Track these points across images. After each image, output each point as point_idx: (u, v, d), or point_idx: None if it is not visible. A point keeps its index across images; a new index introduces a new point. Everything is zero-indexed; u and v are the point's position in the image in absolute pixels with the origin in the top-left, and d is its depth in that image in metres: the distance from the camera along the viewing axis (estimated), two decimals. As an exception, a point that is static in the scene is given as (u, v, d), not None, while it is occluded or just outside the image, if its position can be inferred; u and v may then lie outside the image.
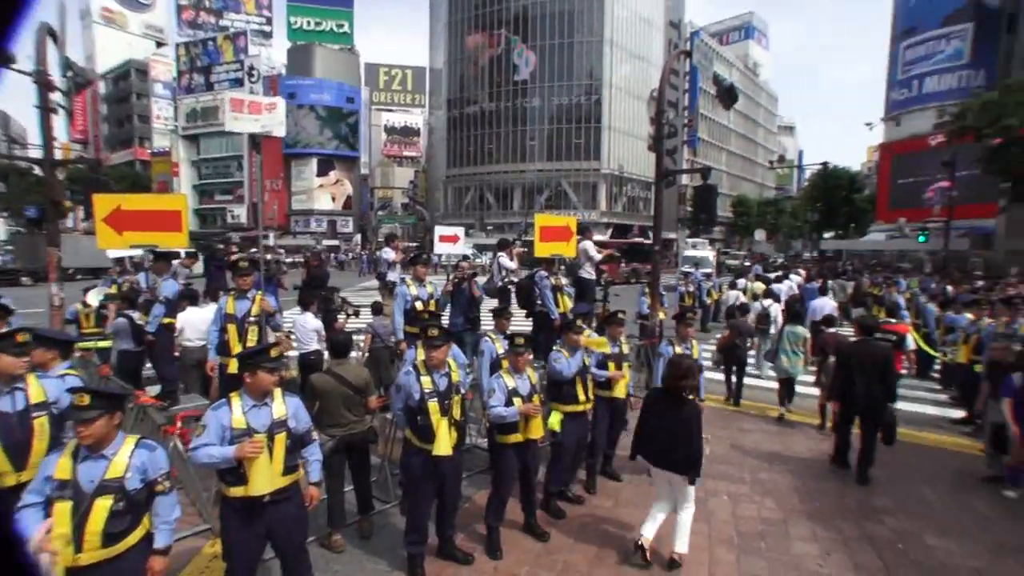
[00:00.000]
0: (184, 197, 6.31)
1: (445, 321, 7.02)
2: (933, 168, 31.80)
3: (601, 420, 5.35)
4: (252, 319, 5.42)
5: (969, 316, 8.14)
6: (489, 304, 7.51)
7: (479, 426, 5.95)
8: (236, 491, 3.01)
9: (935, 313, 10.08)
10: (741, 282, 15.13)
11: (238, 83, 56.93)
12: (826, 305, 10.19)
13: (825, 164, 41.85)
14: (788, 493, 5.45)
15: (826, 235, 53.55)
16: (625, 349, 5.55)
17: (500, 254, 8.58)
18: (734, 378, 8.27)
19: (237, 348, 5.18)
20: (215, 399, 4.20)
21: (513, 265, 8.64)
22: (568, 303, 7.30)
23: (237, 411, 3.05)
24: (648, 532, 4.16)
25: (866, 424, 5.76)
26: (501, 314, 5.76)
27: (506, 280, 8.39)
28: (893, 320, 9.37)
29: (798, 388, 8.05)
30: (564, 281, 7.57)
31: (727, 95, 9.46)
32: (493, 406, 4.11)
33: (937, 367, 9.73)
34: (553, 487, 4.88)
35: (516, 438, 4.23)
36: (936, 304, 10.70)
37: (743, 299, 11.44)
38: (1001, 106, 18.50)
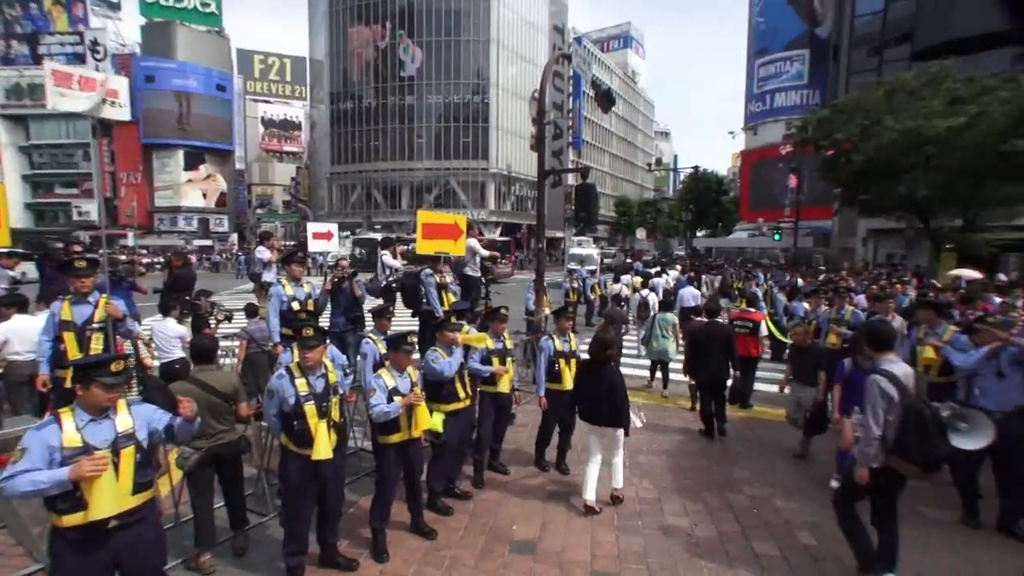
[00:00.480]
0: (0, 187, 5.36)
1: (325, 323, 6.67)
2: (785, 174, 35.95)
3: (487, 416, 5.38)
4: (96, 325, 4.78)
5: (806, 305, 9.27)
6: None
7: (365, 428, 5.74)
8: (72, 519, 2.58)
9: (783, 303, 11.38)
10: (625, 278, 16.07)
11: (78, 59, 50.09)
12: (690, 295, 11.49)
13: (696, 168, 45.75)
14: (663, 473, 5.84)
15: (699, 233, 58.65)
16: (509, 344, 5.61)
17: (383, 252, 8.37)
18: None
19: (77, 358, 4.55)
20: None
21: (397, 263, 8.46)
22: (453, 300, 7.26)
23: (69, 428, 2.63)
24: (590, 495, 4.93)
25: (716, 391, 6.85)
26: (382, 314, 5.59)
27: (390, 279, 8.18)
28: (752, 309, 10.44)
29: (674, 376, 8.71)
30: (449, 279, 7.52)
31: (605, 98, 9.90)
32: (374, 405, 4.00)
33: (787, 351, 10.96)
34: (436, 485, 4.84)
35: (398, 437, 4.15)
36: (785, 295, 12.07)
37: (626, 292, 12.48)
38: (831, 122, 21.27)
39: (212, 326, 6.69)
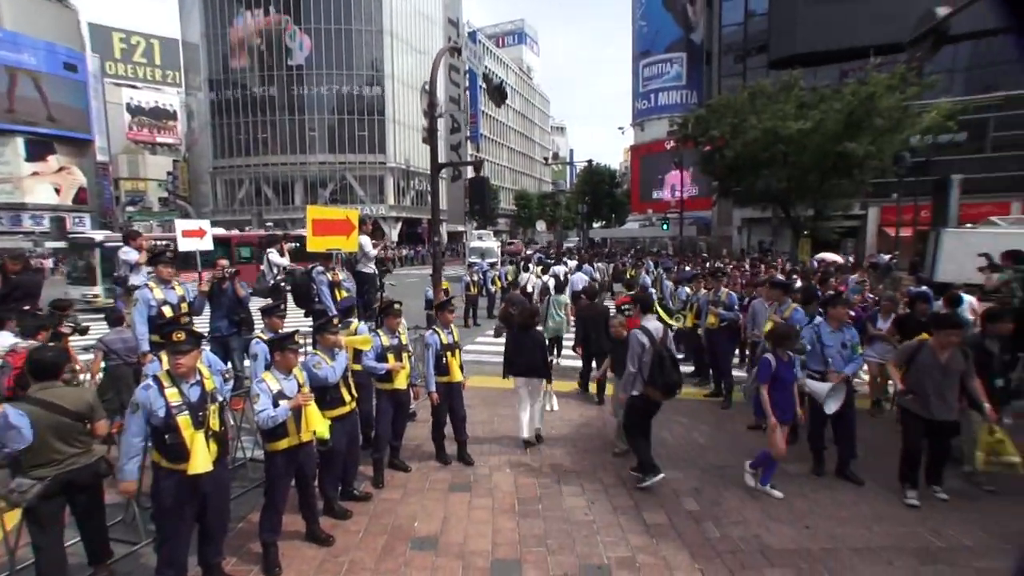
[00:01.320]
0: None
1: (205, 327, 6.18)
2: (670, 168, 38.41)
3: (384, 413, 5.28)
4: None
5: (688, 289, 10.01)
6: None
7: (256, 437, 5.39)
8: None
9: (670, 288, 12.20)
10: (531, 267, 16.59)
11: None
12: (580, 280, 12.80)
13: (590, 162, 47.59)
14: (563, 457, 6.05)
15: (595, 225, 61.16)
16: (405, 340, 5.53)
17: (270, 250, 7.91)
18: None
19: None
20: None
21: (284, 261, 8.03)
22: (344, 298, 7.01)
23: None
24: (527, 432, 6.20)
25: (599, 359, 7.86)
26: (272, 312, 5.29)
27: (279, 277, 7.75)
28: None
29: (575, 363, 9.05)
30: (342, 276, 7.25)
31: (497, 92, 10.01)
32: (259, 411, 3.77)
33: (672, 333, 11.82)
34: (331, 490, 4.67)
35: (286, 443, 3.94)
36: (672, 280, 12.96)
37: (534, 280, 13.53)
38: (707, 121, 23.21)
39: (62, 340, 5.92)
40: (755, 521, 4.59)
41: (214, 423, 3.48)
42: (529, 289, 12.87)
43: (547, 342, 9.23)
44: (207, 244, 7.85)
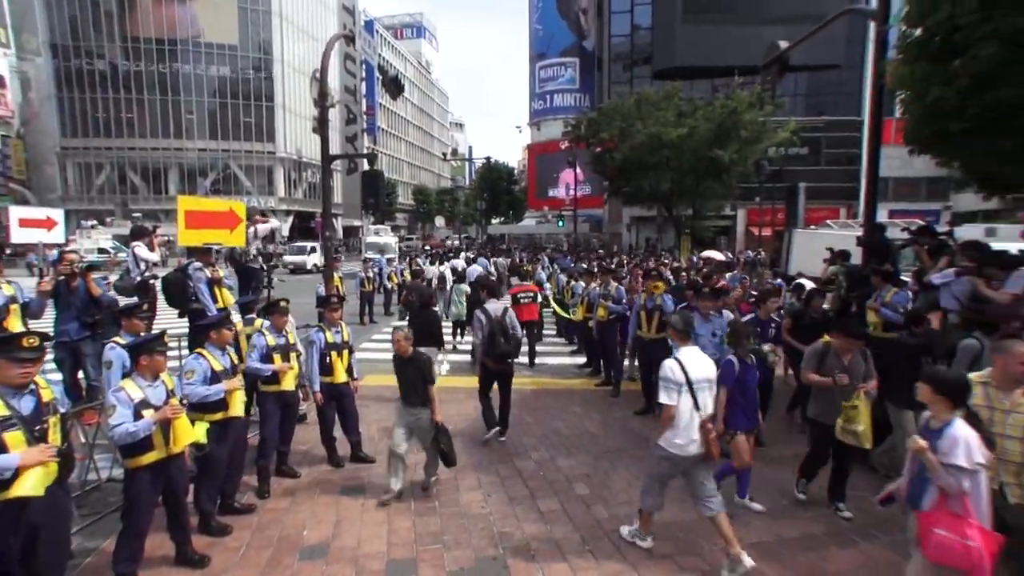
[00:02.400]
0: None
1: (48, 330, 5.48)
2: (565, 167, 39.83)
3: (270, 417, 5.01)
4: None
5: (583, 284, 10.49)
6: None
7: (114, 455, 4.85)
8: None
9: (564, 282, 12.70)
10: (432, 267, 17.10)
11: None
12: (475, 271, 13.89)
13: (488, 159, 48.01)
14: (459, 452, 6.02)
15: (494, 221, 61.86)
16: (292, 339, 5.28)
17: (136, 243, 7.15)
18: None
19: None
20: None
21: (154, 256, 7.32)
22: (230, 297, 6.57)
23: None
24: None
25: None
26: (131, 313, 4.81)
27: (146, 274, 7.05)
28: (529, 282, 12.34)
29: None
30: (223, 272, 6.76)
31: (392, 84, 9.83)
32: (116, 425, 3.38)
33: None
34: (208, 505, 4.33)
35: (152, 457, 3.56)
36: (567, 275, 13.49)
37: (437, 272, 14.62)
38: (598, 123, 24.48)
39: None
40: (639, 500, 4.94)
41: (55, 438, 3.02)
42: (430, 277, 14.50)
43: (452, 325, 11.22)
44: (56, 236, 6.93)
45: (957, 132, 6.45)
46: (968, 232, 15.12)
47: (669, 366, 3.98)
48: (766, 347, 5.71)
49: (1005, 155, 6.35)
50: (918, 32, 6.80)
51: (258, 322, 5.36)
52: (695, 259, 17.99)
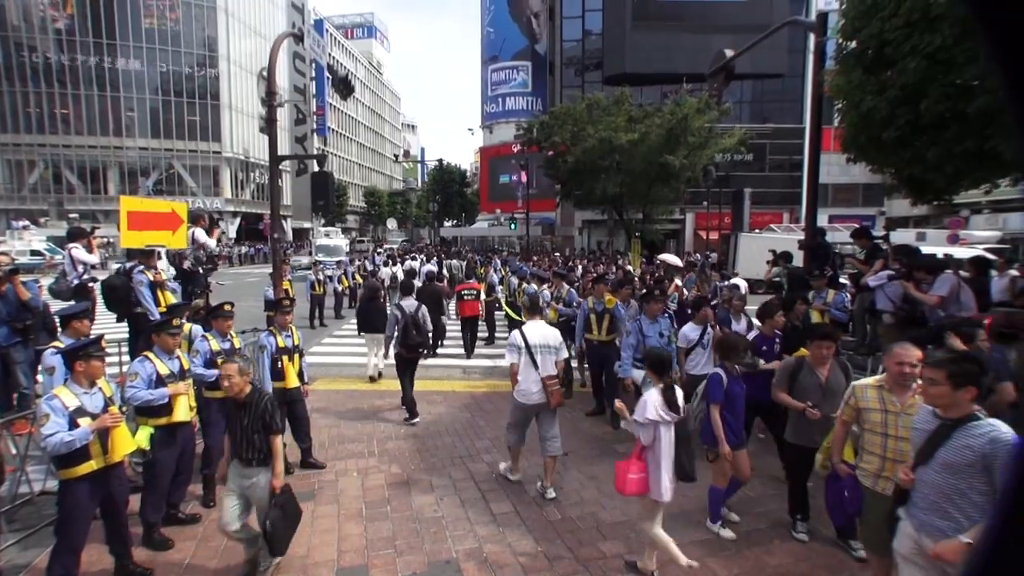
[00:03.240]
0: None
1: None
2: (518, 170, 40.04)
3: (215, 424, 4.82)
4: None
5: (533, 286, 10.57)
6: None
7: (48, 466, 4.56)
8: None
9: (515, 285, 12.76)
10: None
11: None
12: (427, 270, 14.20)
13: (440, 161, 47.74)
14: (411, 456, 6.03)
15: (446, 223, 61.55)
16: (238, 343, 5.10)
17: (73, 245, 6.75)
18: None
19: None
20: None
21: (94, 258, 6.93)
22: (173, 301, 6.26)
23: None
24: (371, 371, 8.78)
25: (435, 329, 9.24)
26: (71, 318, 4.54)
27: (85, 277, 6.66)
28: (473, 280, 12.83)
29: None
30: (166, 276, 6.45)
31: (342, 84, 9.70)
32: (49, 435, 3.19)
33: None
34: (153, 516, 4.13)
35: (88, 468, 3.39)
36: (518, 278, 13.55)
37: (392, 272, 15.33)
38: (550, 127, 24.72)
39: None
40: (591, 500, 5.01)
41: None
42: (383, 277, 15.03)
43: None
44: None
45: (888, 140, 6.89)
46: (901, 237, 16.20)
47: (514, 334, 5.05)
48: (761, 362, 5.21)
49: (929, 163, 6.82)
50: (853, 44, 7.24)
51: (186, 327, 5.13)
52: (646, 263, 18.41)
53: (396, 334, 6.91)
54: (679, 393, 3.78)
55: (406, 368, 7.03)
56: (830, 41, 8.25)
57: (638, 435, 3.69)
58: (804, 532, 4.33)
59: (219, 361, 4.82)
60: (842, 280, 8.22)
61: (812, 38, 8.56)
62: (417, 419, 7.04)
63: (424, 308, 7.21)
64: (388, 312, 7.65)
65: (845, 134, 8.06)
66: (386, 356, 7.33)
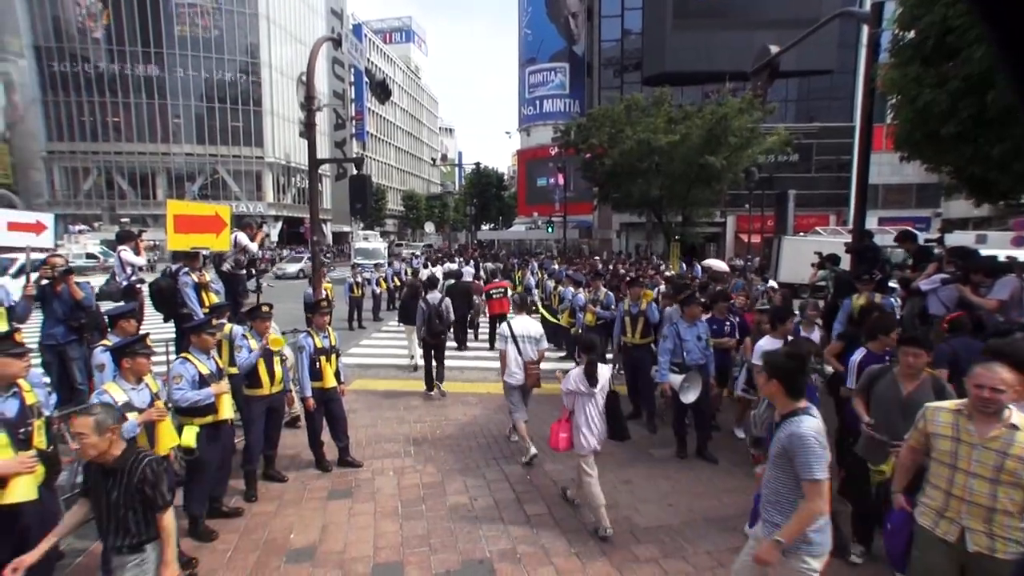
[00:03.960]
0: None
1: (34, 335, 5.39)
2: (555, 172, 39.93)
3: (256, 422, 4.94)
4: None
5: (572, 289, 10.48)
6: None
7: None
8: None
9: (551, 288, 12.69)
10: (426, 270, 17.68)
11: None
12: (468, 271, 15.59)
13: (478, 164, 48.07)
14: (446, 456, 6.05)
15: (484, 227, 61.87)
16: (223, 362, 5.19)
17: (122, 248, 7.07)
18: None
19: None
20: None
21: (141, 260, 7.24)
22: (217, 302, 6.48)
23: None
24: (415, 359, 9.69)
25: (460, 321, 10.64)
26: (119, 317, 4.74)
27: (133, 278, 6.96)
28: (499, 279, 13.97)
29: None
30: (209, 277, 6.70)
31: (380, 88, 9.78)
32: None
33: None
34: (196, 509, 4.28)
35: None
36: (554, 281, 13.47)
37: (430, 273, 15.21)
38: (588, 129, 24.47)
39: None
40: (625, 504, 4.92)
41: (39, 441, 3.05)
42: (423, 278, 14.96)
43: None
44: (45, 241, 6.83)
45: (947, 136, 6.50)
46: (958, 239, 15.35)
47: (503, 326, 6.01)
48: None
49: (993, 161, 6.40)
50: (911, 35, 6.85)
51: (227, 327, 5.28)
52: (685, 268, 17.99)
53: (424, 323, 8.13)
54: (602, 369, 4.48)
55: (430, 350, 8.21)
56: (884, 33, 7.87)
57: (565, 403, 4.60)
58: (859, 556, 3.98)
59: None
60: (891, 284, 7.84)
61: (865, 30, 8.20)
62: (434, 393, 8.21)
63: (448, 300, 8.45)
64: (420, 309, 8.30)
65: (899, 131, 7.65)
66: (420, 343, 8.55)
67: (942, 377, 3.76)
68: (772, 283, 9.16)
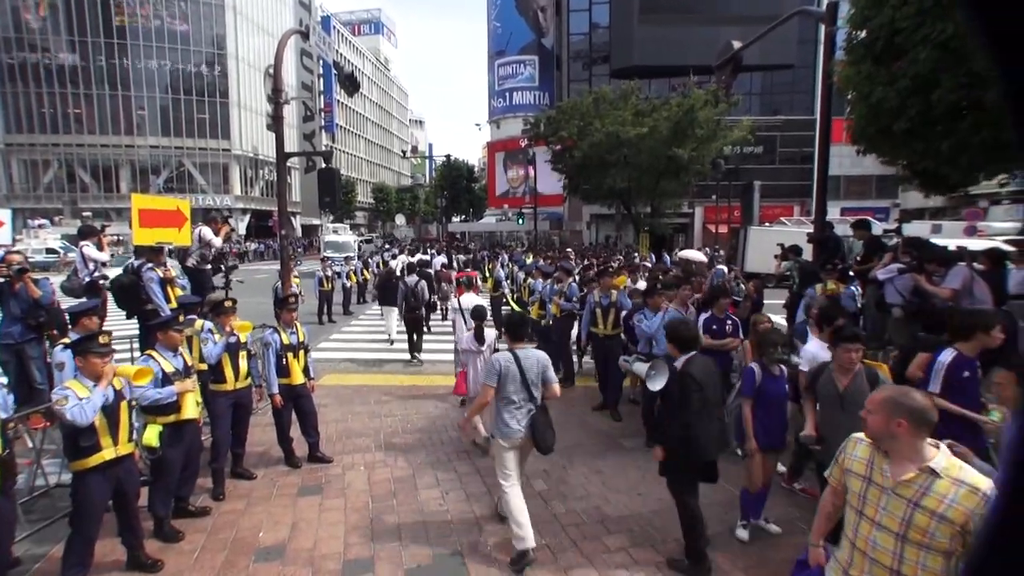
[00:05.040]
0: None
1: None
2: (525, 164, 39.93)
3: (221, 418, 4.87)
4: None
5: (541, 281, 10.54)
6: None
7: (63, 460, 4.65)
8: None
9: (521, 280, 12.75)
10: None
11: None
12: (438, 261, 15.91)
13: (448, 157, 47.75)
14: (417, 450, 6.06)
15: (454, 219, 61.54)
16: (243, 338, 5.14)
17: (84, 243, 6.85)
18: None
19: None
20: None
21: (103, 256, 7.03)
22: (183, 296, 6.34)
23: None
24: (393, 335, 11.16)
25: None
26: (80, 315, 4.60)
27: (95, 275, 6.76)
28: (469, 269, 14.15)
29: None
30: (175, 272, 6.54)
31: (348, 81, 9.65)
32: (69, 407, 3.25)
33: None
34: (161, 509, 4.20)
35: (98, 459, 3.45)
36: (524, 273, 13.53)
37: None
38: (557, 121, 24.60)
39: None
40: (596, 494, 5.01)
41: None
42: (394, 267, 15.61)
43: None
44: (3, 237, 6.59)
45: (899, 132, 6.77)
46: (915, 229, 15.94)
47: (454, 301, 7.14)
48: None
49: (943, 156, 6.69)
50: (863, 34, 7.10)
51: (199, 323, 5.18)
52: (654, 260, 18.22)
53: (402, 301, 9.79)
54: (488, 332, 5.76)
55: (409, 325, 9.83)
56: (840, 31, 8.12)
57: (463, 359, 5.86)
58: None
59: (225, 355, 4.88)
60: (851, 273, 8.14)
61: (822, 28, 8.44)
62: (414, 360, 9.87)
63: (423, 283, 10.03)
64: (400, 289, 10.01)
65: (855, 126, 7.94)
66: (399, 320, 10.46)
67: (878, 367, 3.69)
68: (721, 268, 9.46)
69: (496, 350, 5.00)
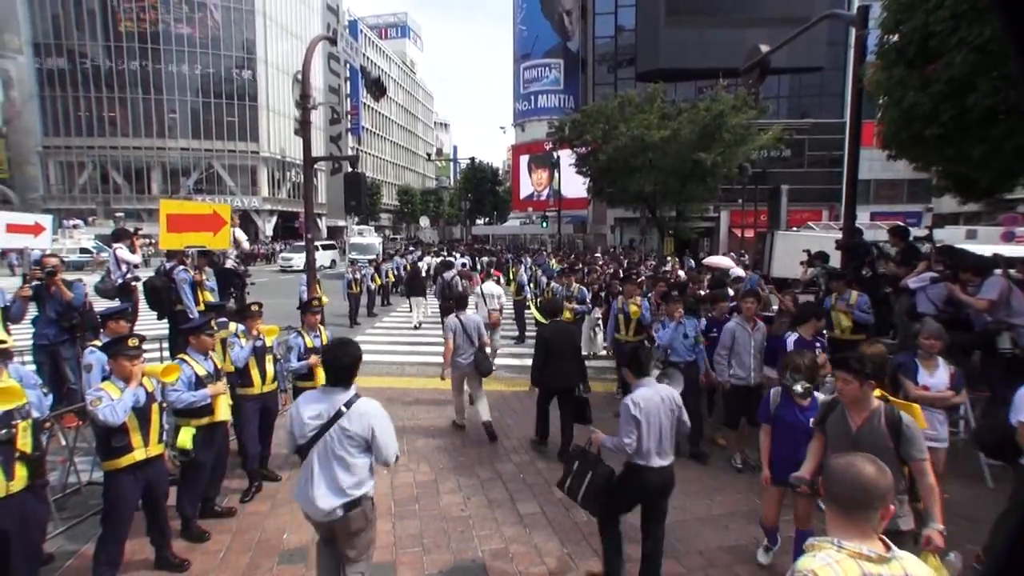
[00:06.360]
0: None
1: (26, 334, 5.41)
2: (550, 168, 39.91)
3: (248, 421, 4.98)
4: None
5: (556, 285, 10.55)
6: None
7: (95, 458, 4.82)
8: None
9: (544, 283, 12.76)
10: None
11: None
12: (458, 262, 15.96)
13: (473, 159, 47.96)
14: (440, 455, 6.11)
15: (479, 221, 61.82)
16: (269, 342, 5.25)
17: (117, 245, 7.10)
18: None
19: None
20: None
21: (136, 258, 7.26)
22: (211, 299, 6.52)
23: None
24: (415, 322, 13.80)
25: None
26: (109, 318, 4.75)
27: (128, 276, 6.99)
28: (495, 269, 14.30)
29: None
30: (204, 275, 6.72)
31: (375, 86, 9.82)
32: (103, 407, 3.34)
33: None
34: (189, 509, 4.31)
35: (129, 460, 3.54)
36: (547, 277, 13.55)
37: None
38: (582, 125, 24.48)
39: None
40: (616, 502, 4.99)
41: (24, 444, 3.04)
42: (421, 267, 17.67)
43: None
44: (43, 242, 6.85)
45: (931, 137, 6.59)
46: (948, 234, 15.43)
47: (451, 318, 6.64)
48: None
49: (974, 161, 6.49)
50: (895, 38, 6.94)
51: (232, 326, 5.31)
52: (691, 263, 17.94)
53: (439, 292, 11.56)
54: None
55: (444, 313, 10.44)
56: (871, 34, 7.94)
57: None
58: None
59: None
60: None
61: (853, 31, 8.27)
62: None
63: (458, 277, 11.62)
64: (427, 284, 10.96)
65: (885, 131, 7.74)
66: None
67: (906, 409, 2.99)
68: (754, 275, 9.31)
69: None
